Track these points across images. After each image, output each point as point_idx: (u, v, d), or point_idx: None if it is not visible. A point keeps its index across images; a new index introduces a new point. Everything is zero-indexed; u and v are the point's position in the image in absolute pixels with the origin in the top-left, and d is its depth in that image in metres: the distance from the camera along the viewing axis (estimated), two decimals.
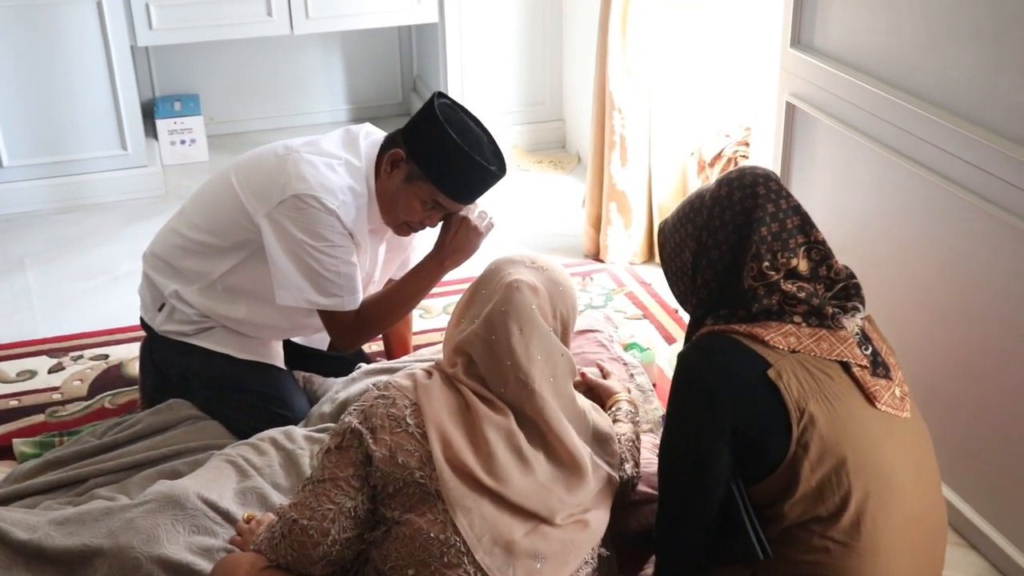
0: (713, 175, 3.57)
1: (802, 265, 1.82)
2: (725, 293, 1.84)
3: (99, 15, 4.14)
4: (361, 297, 2.53)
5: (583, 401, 2.02)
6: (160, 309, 2.69)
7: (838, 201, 2.76)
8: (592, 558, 1.92)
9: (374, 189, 2.53)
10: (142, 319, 2.78)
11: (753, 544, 1.78)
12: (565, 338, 1.99)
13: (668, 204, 3.84)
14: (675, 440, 1.85)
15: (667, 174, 3.82)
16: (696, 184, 3.72)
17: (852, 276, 1.87)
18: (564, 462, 1.89)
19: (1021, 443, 2.30)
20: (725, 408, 1.75)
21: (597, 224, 3.95)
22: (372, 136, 2.59)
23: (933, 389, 2.47)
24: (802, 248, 1.82)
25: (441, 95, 2.47)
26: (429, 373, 1.94)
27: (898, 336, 2.58)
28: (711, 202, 1.86)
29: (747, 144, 3.45)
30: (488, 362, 1.90)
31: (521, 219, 4.30)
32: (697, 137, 3.75)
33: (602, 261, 3.92)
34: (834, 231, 2.80)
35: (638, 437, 2.20)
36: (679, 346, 3.23)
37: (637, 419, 2.28)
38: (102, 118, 4.32)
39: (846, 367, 1.79)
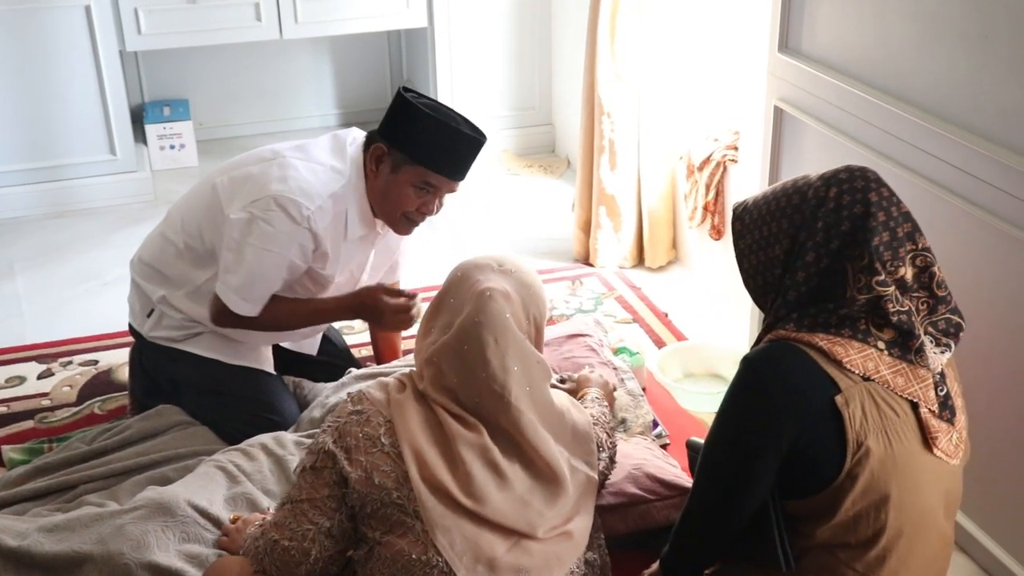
0: (702, 179, 3.58)
1: (908, 273, 1.75)
2: (815, 296, 1.76)
3: (88, 20, 4.14)
4: (256, 311, 2.52)
5: (560, 400, 1.98)
6: (149, 315, 2.69)
7: None
8: (578, 566, 1.90)
9: (365, 193, 2.53)
10: (131, 326, 2.77)
11: (778, 554, 1.75)
12: (538, 340, 1.96)
13: (657, 207, 3.85)
14: (726, 446, 1.79)
15: (656, 178, 3.83)
16: (685, 188, 3.73)
17: (960, 314, 1.81)
18: (542, 473, 1.87)
19: (1009, 446, 2.31)
20: (786, 426, 1.69)
21: (587, 228, 3.96)
22: (359, 141, 2.59)
23: None
24: (909, 255, 1.75)
25: (406, 88, 2.49)
26: (403, 384, 1.90)
27: None
28: (816, 202, 1.76)
29: (736, 148, 3.46)
30: (461, 373, 1.85)
31: (511, 223, 4.30)
32: (686, 141, 3.76)
33: (592, 265, 3.93)
34: None
35: (612, 429, 2.17)
36: (675, 348, 3.24)
37: (606, 406, 2.25)
38: (91, 123, 4.31)
39: (915, 406, 1.73)
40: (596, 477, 1.97)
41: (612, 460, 2.13)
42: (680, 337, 3.44)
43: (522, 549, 1.82)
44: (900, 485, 1.71)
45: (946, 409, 1.76)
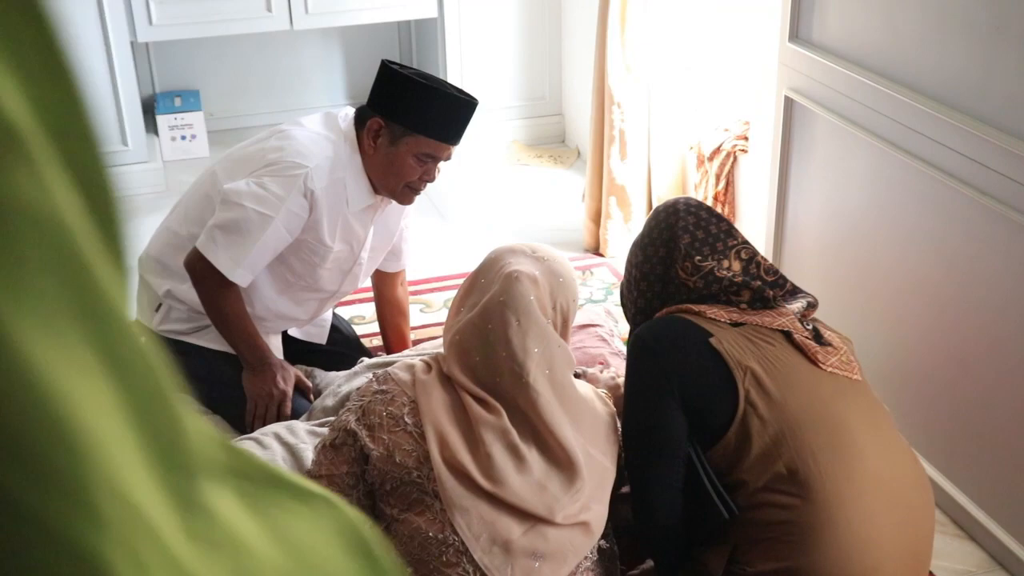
0: (712, 169, 3.58)
1: (735, 266, 1.98)
2: (664, 299, 2.02)
3: (99, 11, 4.15)
4: (247, 279, 2.47)
5: (586, 389, 2.01)
6: (157, 310, 2.70)
7: (836, 194, 2.78)
8: (592, 553, 1.92)
9: (362, 167, 2.54)
10: (137, 322, 2.78)
11: (717, 504, 1.82)
12: (565, 331, 1.98)
13: (668, 198, 3.84)
14: (631, 410, 1.96)
15: (666, 168, 3.83)
16: (695, 178, 3.73)
17: (806, 295, 2.03)
18: (558, 458, 1.88)
19: (1018, 434, 2.31)
20: (672, 373, 1.87)
21: (597, 218, 3.96)
22: (351, 116, 2.61)
23: (929, 379, 2.48)
24: (732, 250, 1.99)
25: (389, 61, 2.50)
26: (428, 367, 1.93)
27: (894, 326, 2.59)
28: (644, 227, 2.09)
29: (746, 138, 3.46)
30: (483, 352, 1.88)
31: (521, 214, 4.31)
32: (696, 131, 3.76)
33: (602, 255, 3.93)
34: (831, 223, 2.81)
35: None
36: None
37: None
38: (102, 114, 4.32)
39: (788, 336, 1.91)
40: (613, 469, 1.98)
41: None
42: None
43: (538, 533, 1.83)
44: (801, 400, 1.84)
45: (820, 339, 1.94)
